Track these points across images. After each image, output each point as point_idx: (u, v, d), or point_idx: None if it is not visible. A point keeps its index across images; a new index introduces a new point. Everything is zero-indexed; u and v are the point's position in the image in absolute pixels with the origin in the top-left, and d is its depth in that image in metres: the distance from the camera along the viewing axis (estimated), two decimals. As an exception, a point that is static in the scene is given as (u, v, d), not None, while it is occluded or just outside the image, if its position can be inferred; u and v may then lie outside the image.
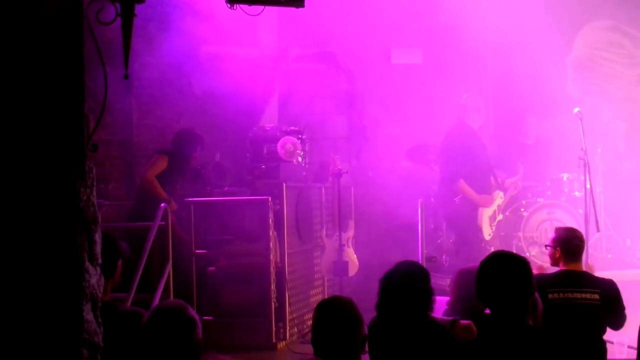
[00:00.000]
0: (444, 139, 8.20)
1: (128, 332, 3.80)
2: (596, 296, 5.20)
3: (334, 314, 3.36)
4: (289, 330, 7.62)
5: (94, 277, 3.13)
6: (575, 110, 7.94)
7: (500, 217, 8.48)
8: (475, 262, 7.62)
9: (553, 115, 10.13)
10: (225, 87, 8.59)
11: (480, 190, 8.04)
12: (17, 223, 3.02)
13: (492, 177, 8.31)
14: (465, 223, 8.04)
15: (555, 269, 5.35)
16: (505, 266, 3.54)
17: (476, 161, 8.03)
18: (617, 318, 5.33)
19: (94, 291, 3.12)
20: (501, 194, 8.32)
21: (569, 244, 5.35)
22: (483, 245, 8.20)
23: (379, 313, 3.98)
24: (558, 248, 5.32)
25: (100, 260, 3.22)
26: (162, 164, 7.66)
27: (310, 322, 7.88)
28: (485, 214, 8.07)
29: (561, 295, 5.12)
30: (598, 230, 7.76)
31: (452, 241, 8.56)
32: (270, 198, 7.47)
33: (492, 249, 8.68)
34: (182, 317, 3.15)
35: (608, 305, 5.22)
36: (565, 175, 9.74)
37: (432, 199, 9.58)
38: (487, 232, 8.15)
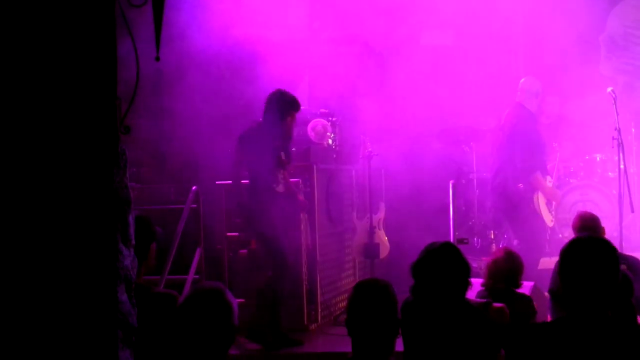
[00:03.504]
0: (509, 125, 7.91)
1: (162, 314, 3.83)
2: (623, 266, 5.26)
3: (372, 295, 3.32)
4: (321, 312, 7.64)
5: (128, 259, 3.16)
6: (609, 89, 7.83)
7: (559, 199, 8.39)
8: (540, 248, 7.64)
9: (586, 95, 10.01)
10: (255, 70, 8.58)
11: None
12: (51, 204, 3.05)
13: None
14: (527, 210, 7.87)
15: None
16: (592, 253, 3.18)
17: (542, 149, 7.94)
18: None
19: (128, 272, 3.15)
20: (549, 177, 8.19)
21: (580, 230, 5.46)
22: (548, 232, 8.11)
23: (414, 295, 3.96)
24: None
25: (133, 242, 3.24)
26: (238, 157, 6.98)
27: (342, 304, 7.93)
28: (541, 200, 7.92)
29: None
30: (632, 211, 7.69)
31: (517, 233, 8.31)
32: (300, 180, 7.47)
33: (561, 235, 8.62)
34: (220, 301, 3.15)
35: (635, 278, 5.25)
36: (598, 156, 9.65)
37: (464, 181, 9.53)
38: (549, 219, 8.00)
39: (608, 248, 3.23)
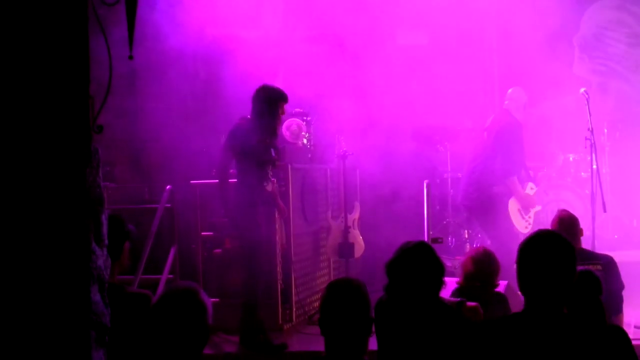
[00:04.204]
0: (496, 128, 7.94)
1: (136, 314, 3.81)
2: (599, 267, 5.34)
3: (344, 295, 3.32)
4: (295, 311, 7.63)
5: (101, 258, 3.13)
6: (582, 90, 7.89)
7: (538, 207, 8.32)
8: (508, 252, 7.65)
9: (559, 95, 10.09)
10: (230, 70, 8.56)
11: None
12: (23, 204, 3.02)
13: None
14: (497, 211, 7.88)
15: None
16: (548, 248, 3.20)
17: (523, 157, 8.00)
18: (615, 293, 5.44)
19: (101, 272, 3.13)
20: (532, 184, 8.20)
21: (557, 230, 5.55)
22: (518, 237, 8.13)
23: (388, 294, 3.97)
24: None
25: (106, 242, 3.22)
26: (227, 154, 6.82)
27: (316, 304, 7.92)
28: (514, 205, 7.93)
29: None
30: (604, 211, 7.74)
31: (487, 233, 8.32)
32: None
33: None
34: (195, 301, 3.14)
35: (609, 277, 5.35)
36: (571, 156, 9.72)
37: (438, 180, 9.57)
38: (522, 225, 7.98)
39: (564, 244, 3.24)
